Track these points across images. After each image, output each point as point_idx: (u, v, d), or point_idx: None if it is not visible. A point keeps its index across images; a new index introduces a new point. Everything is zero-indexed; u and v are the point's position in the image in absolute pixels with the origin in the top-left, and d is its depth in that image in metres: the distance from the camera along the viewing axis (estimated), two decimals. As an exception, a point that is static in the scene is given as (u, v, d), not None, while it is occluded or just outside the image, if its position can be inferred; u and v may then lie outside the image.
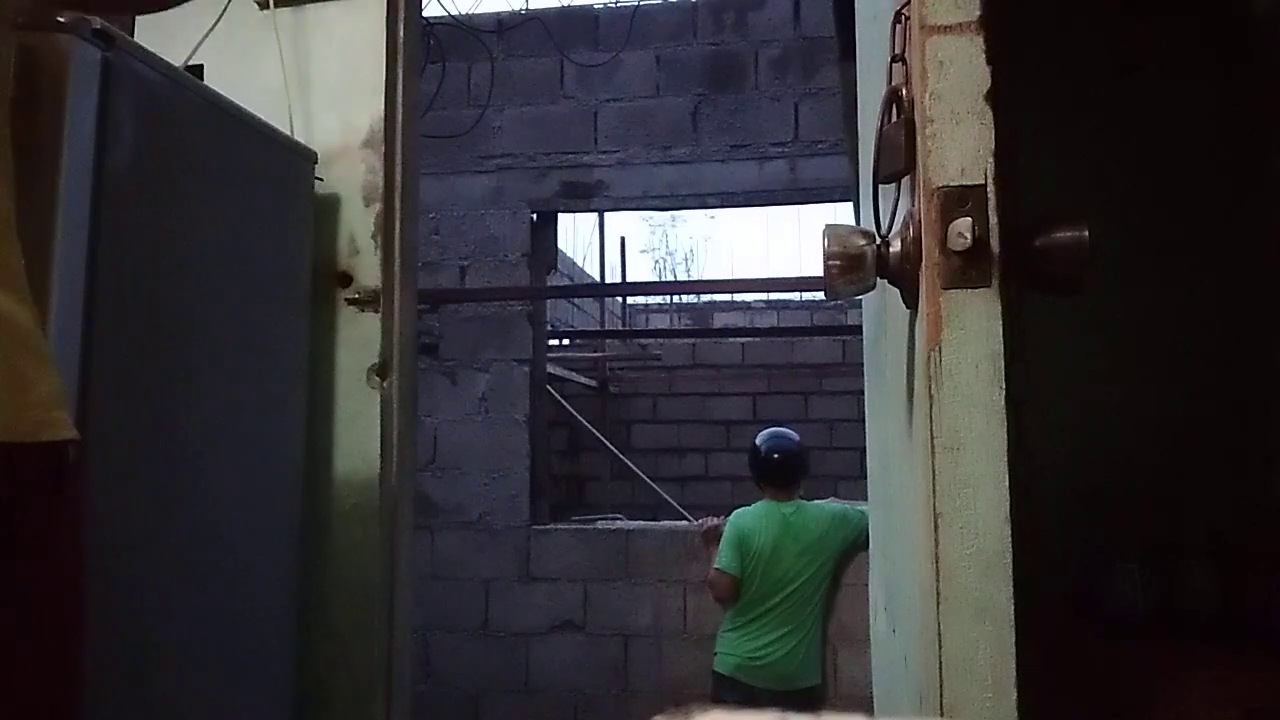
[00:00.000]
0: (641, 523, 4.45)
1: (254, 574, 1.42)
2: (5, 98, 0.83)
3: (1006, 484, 0.72)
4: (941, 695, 0.72)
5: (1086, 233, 0.77)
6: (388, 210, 1.66)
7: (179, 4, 1.03)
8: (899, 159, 0.81)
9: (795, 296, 7.74)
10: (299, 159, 1.59)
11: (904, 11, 0.82)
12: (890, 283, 0.87)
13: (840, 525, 3.27)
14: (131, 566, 1.16)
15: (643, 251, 11.53)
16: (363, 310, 1.63)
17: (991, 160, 0.75)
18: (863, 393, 1.73)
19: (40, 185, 1.03)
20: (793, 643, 3.20)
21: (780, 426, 3.65)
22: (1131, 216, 1.46)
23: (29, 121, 1.03)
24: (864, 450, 1.74)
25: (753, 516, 3.34)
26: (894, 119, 0.84)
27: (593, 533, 4.28)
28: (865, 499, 2.09)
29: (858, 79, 1.53)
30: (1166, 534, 1.33)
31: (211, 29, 1.58)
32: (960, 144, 0.75)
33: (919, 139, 0.78)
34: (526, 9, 4.75)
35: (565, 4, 4.64)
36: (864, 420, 1.63)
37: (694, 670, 3.94)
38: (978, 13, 0.76)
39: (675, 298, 8.76)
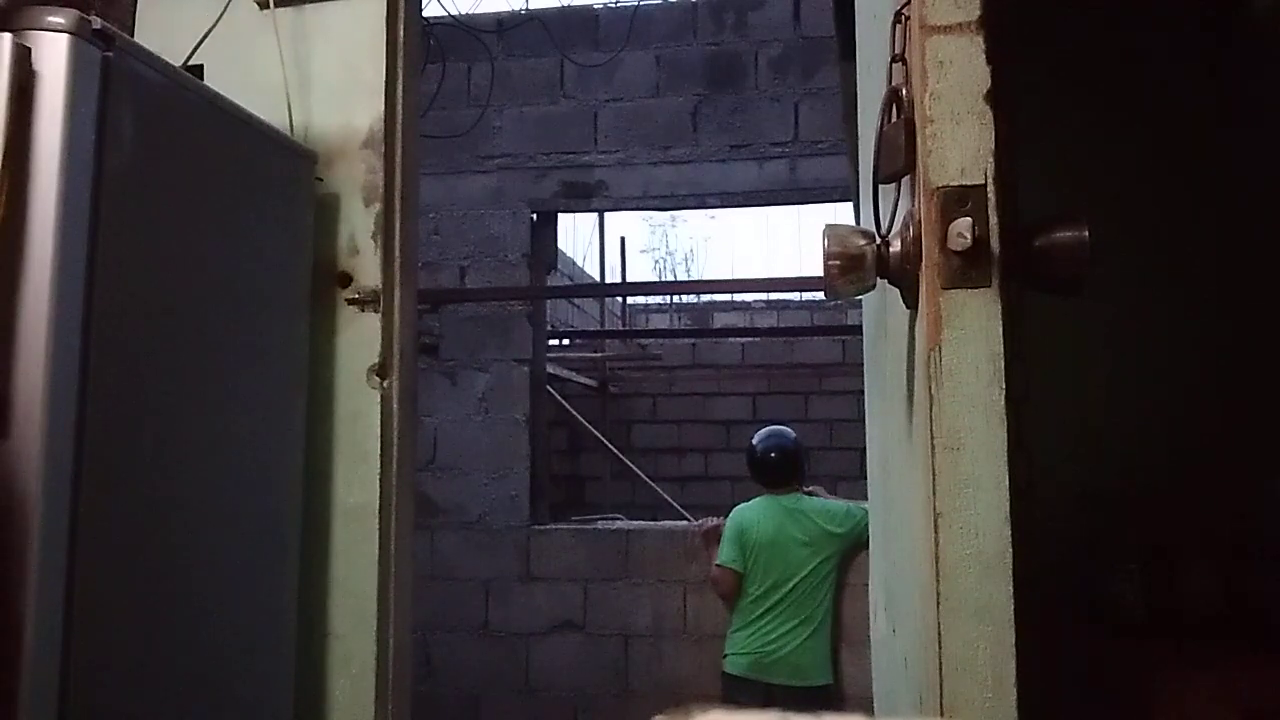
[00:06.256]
0: (641, 523, 4.44)
1: (254, 574, 1.42)
2: None
3: (1006, 484, 0.72)
4: (941, 695, 0.72)
5: (1086, 233, 0.77)
6: (388, 210, 1.66)
7: None
8: (899, 159, 0.81)
9: (795, 296, 7.74)
10: (299, 159, 1.59)
11: (904, 11, 0.82)
12: (890, 283, 0.87)
13: (844, 519, 3.28)
14: (130, 567, 1.16)
15: (643, 251, 11.53)
16: (363, 310, 1.63)
17: (991, 160, 0.75)
18: (863, 393, 1.73)
19: (40, 185, 1.03)
20: (804, 634, 3.20)
21: (779, 426, 3.66)
22: (1132, 216, 1.46)
23: (29, 121, 1.03)
24: (864, 450, 1.74)
25: (751, 510, 3.36)
26: (894, 119, 0.83)
27: (593, 533, 4.28)
28: (865, 499, 2.09)
29: (858, 79, 1.53)
30: (1166, 534, 1.33)
31: (211, 29, 1.58)
32: (960, 144, 0.75)
33: (919, 139, 0.78)
34: (526, 9, 4.75)
35: (565, 4, 4.64)
36: (864, 420, 1.63)
37: (694, 670, 3.94)
38: (978, 13, 0.76)
39: (675, 298, 8.75)
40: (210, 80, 1.44)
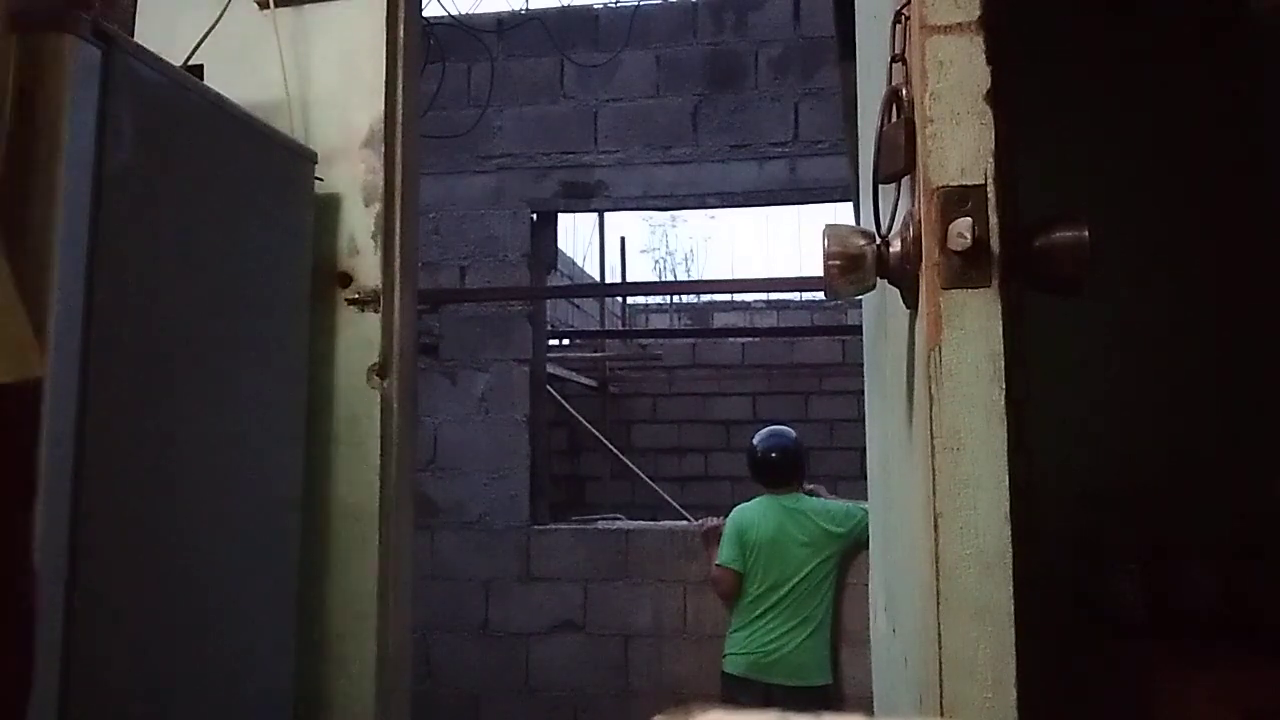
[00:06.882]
0: (641, 523, 4.44)
1: (254, 573, 1.42)
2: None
3: (1006, 484, 0.72)
4: (941, 695, 0.72)
5: (1086, 233, 0.77)
6: (388, 210, 1.66)
7: None
8: (899, 159, 0.81)
9: (795, 296, 7.74)
10: (299, 159, 1.59)
11: (904, 11, 0.82)
12: (890, 283, 0.87)
13: (844, 519, 3.28)
14: (130, 567, 1.16)
15: (643, 251, 11.52)
16: (363, 310, 1.63)
17: (991, 160, 0.75)
18: (863, 393, 1.73)
19: (40, 185, 1.03)
20: (804, 634, 3.20)
21: (780, 426, 3.66)
22: (1132, 216, 1.46)
23: (29, 121, 1.03)
24: (864, 450, 1.74)
25: (751, 510, 3.36)
26: (894, 119, 0.83)
27: (593, 533, 4.28)
28: (865, 499, 2.09)
29: (858, 79, 1.53)
30: (1166, 534, 1.33)
31: (211, 29, 1.58)
32: (960, 144, 0.75)
33: (919, 139, 0.78)
34: (526, 9, 4.75)
35: (565, 4, 4.64)
36: (864, 420, 1.63)
37: (694, 670, 3.94)
38: (978, 13, 0.76)
39: (675, 298, 8.75)
40: (210, 80, 1.44)
